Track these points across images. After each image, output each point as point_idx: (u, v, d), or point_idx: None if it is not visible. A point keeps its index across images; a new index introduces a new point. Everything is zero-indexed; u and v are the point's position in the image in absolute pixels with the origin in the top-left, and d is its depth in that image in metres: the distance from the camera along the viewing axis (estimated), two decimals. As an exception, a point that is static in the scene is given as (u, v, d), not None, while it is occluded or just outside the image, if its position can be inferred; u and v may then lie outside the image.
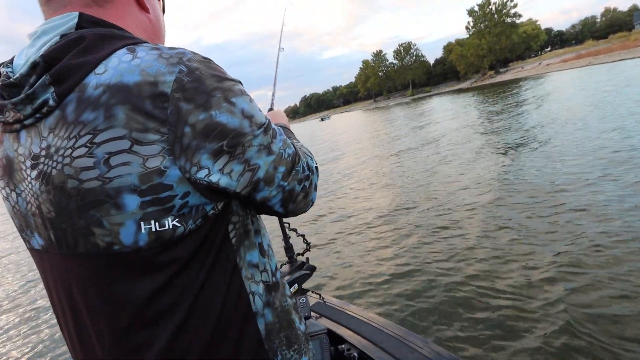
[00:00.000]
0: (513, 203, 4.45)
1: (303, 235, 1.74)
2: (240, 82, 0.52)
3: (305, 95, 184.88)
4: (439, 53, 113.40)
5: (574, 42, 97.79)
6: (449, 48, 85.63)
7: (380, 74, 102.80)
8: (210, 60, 0.50)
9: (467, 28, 72.97)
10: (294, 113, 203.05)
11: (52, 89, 0.43)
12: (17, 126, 0.47)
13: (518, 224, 3.85)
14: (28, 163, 0.47)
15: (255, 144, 0.49)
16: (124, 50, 0.45)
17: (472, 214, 4.46)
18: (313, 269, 1.64)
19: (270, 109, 1.01)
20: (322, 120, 78.08)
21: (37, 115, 0.45)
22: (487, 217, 4.22)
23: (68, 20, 0.47)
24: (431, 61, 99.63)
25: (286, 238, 1.70)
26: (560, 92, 17.06)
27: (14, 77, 0.45)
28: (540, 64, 57.41)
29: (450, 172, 6.72)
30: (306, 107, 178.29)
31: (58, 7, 0.50)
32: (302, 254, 1.75)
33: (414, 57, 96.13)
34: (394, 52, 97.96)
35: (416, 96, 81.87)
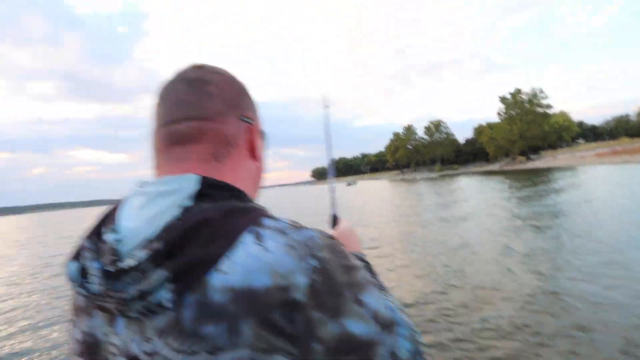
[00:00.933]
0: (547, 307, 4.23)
1: None
2: (364, 261, 0.48)
3: (334, 159, 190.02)
4: (468, 133, 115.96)
5: (607, 137, 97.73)
6: (479, 130, 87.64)
7: (409, 146, 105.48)
8: (333, 240, 0.45)
9: (498, 114, 75.21)
10: (321, 174, 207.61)
11: (170, 287, 0.37)
12: (115, 311, 0.40)
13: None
14: None
15: (383, 352, 0.41)
16: (250, 237, 0.39)
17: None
18: None
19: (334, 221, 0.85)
20: (349, 185, 78.89)
21: (145, 312, 0.38)
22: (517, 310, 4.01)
23: (188, 186, 0.42)
24: (461, 140, 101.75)
25: None
26: (599, 185, 16.69)
27: (130, 262, 0.38)
28: (574, 155, 57.21)
29: (477, 268, 6.53)
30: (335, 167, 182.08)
31: (176, 160, 0.47)
32: None
33: (444, 135, 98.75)
34: (425, 128, 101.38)
35: (444, 172, 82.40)
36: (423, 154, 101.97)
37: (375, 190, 41.21)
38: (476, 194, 21.45)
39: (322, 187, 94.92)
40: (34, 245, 19.28)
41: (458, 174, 65.18)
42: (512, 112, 71.94)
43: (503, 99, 73.89)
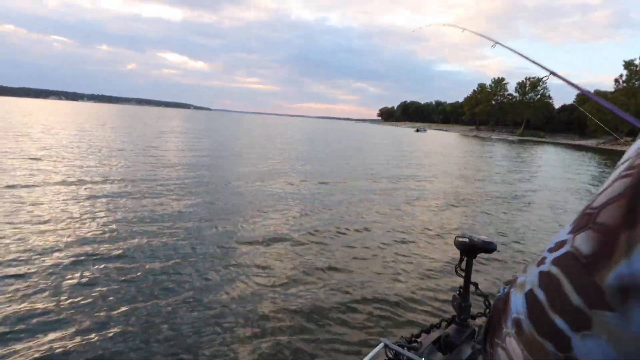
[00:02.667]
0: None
1: (486, 296, 1.41)
2: None
3: (405, 101, 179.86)
4: (569, 99, 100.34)
5: None
6: (583, 97, 75.10)
7: (493, 102, 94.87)
8: None
9: (616, 81, 63.11)
10: (389, 115, 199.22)
11: None
12: None
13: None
14: None
15: None
16: None
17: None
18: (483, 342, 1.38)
19: None
20: (417, 131, 75.41)
21: None
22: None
23: None
24: (556, 105, 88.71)
25: (464, 293, 1.37)
26: None
27: None
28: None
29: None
30: (402, 113, 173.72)
31: None
32: (475, 318, 1.49)
33: (539, 96, 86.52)
34: (518, 84, 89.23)
35: (525, 137, 74.00)
36: (507, 113, 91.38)
37: (445, 142, 38.80)
38: (558, 169, 18.93)
39: (389, 129, 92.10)
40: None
41: (542, 142, 58.17)
42: (635, 81, 59.78)
43: (628, 64, 61.09)
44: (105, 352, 2.49)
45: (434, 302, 3.58)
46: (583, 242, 0.30)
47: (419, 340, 1.37)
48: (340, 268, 4.21)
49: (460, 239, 1.34)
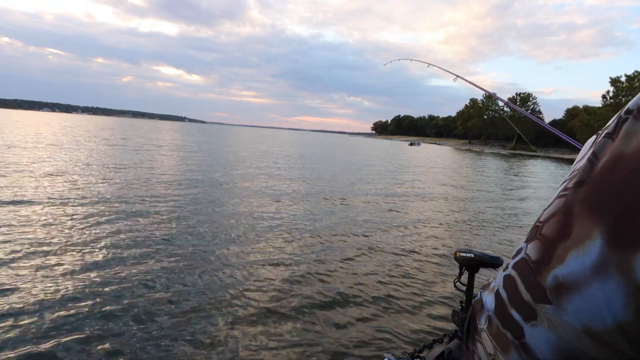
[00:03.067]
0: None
1: None
2: None
3: (399, 115, 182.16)
4: (558, 114, 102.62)
5: None
6: (572, 112, 76.84)
7: (485, 117, 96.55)
8: None
9: (603, 97, 64.82)
10: (382, 128, 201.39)
11: None
12: None
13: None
14: None
15: None
16: None
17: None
18: None
19: None
20: (411, 145, 76.18)
21: None
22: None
23: None
24: (546, 120, 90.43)
25: (466, 307, 1.31)
26: None
27: None
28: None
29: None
30: (396, 127, 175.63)
31: None
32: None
33: (529, 110, 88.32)
34: (509, 99, 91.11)
35: (517, 151, 75.00)
36: (499, 128, 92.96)
37: (439, 155, 39.09)
38: (547, 181, 19.09)
39: (383, 142, 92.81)
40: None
41: (534, 156, 58.92)
42: (622, 98, 61.37)
43: (615, 81, 62.97)
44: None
45: (435, 317, 3.52)
46: (532, 250, 0.37)
47: (422, 355, 1.37)
48: (336, 283, 4.12)
49: (464, 254, 1.32)
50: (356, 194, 9.99)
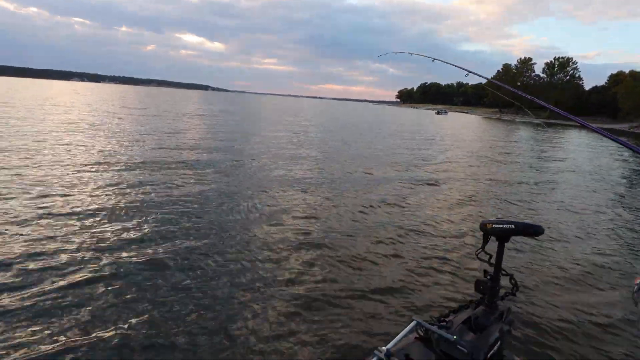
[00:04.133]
0: None
1: (511, 276, 1.46)
2: None
3: (425, 83, 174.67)
4: (601, 80, 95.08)
5: None
6: (617, 77, 70.97)
7: (518, 84, 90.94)
8: None
9: (654, 60, 58.88)
10: (407, 96, 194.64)
11: None
12: None
13: None
14: None
15: None
16: None
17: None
18: (512, 323, 1.44)
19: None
20: (438, 113, 73.50)
21: None
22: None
23: None
24: (587, 87, 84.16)
25: (495, 276, 1.40)
26: None
27: None
28: None
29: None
30: (422, 94, 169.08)
31: None
32: (503, 299, 1.50)
33: (568, 77, 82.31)
34: (546, 64, 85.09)
35: (552, 121, 70.87)
36: (533, 95, 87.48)
37: (467, 125, 37.55)
38: (585, 153, 18.02)
39: (408, 111, 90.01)
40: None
41: (570, 126, 55.53)
42: (676, 61, 55.60)
43: (669, 42, 56.80)
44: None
45: (459, 284, 3.65)
46: None
47: (447, 319, 1.42)
48: (364, 252, 4.23)
49: (498, 225, 1.32)
50: (380, 167, 9.82)
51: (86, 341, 2.38)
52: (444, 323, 1.38)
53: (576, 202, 7.50)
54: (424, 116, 58.71)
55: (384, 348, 1.23)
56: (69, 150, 8.47)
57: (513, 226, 1.30)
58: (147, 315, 2.70)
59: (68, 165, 7.06)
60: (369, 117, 42.53)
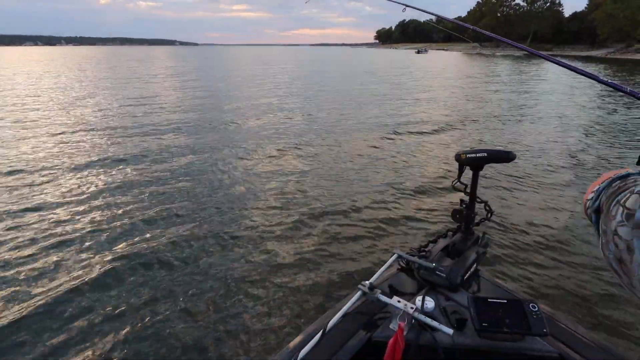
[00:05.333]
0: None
1: (486, 202, 1.52)
2: None
3: (403, 20, 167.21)
4: (581, 5, 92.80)
5: None
6: (597, 1, 69.18)
7: (498, 14, 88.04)
8: None
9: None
10: (386, 37, 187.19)
11: None
12: None
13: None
14: None
15: None
16: None
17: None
18: (487, 245, 1.51)
19: None
20: (418, 52, 71.58)
21: None
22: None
23: None
24: (567, 13, 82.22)
25: (470, 204, 1.48)
26: None
27: None
28: None
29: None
30: (401, 33, 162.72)
31: None
32: (478, 224, 1.56)
33: (548, 3, 79.90)
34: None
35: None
36: (513, 26, 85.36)
37: (446, 62, 36.83)
38: (560, 87, 18.15)
39: (387, 52, 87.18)
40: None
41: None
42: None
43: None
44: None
45: (437, 215, 3.97)
46: None
47: (427, 249, 1.49)
48: (342, 191, 4.58)
49: (472, 155, 1.37)
50: (357, 111, 9.71)
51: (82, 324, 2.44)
52: (424, 253, 1.46)
53: (545, 131, 7.76)
54: (403, 56, 57.09)
55: (367, 282, 1.25)
56: (37, 128, 8.03)
57: (485, 154, 1.34)
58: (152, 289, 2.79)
59: (38, 144, 6.73)
60: (344, 63, 41.08)
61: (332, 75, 23.91)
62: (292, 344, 1.13)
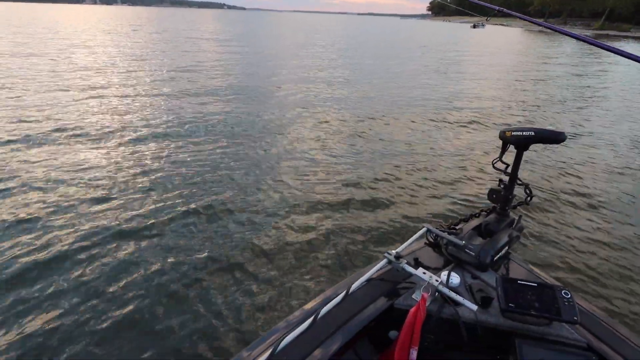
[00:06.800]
0: None
1: (527, 185, 1.46)
2: None
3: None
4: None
5: None
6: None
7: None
8: None
9: None
10: (440, 9, 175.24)
11: None
12: None
13: None
14: None
15: None
16: None
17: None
18: (521, 229, 1.45)
19: None
20: (474, 27, 66.76)
21: None
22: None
23: None
24: (655, -12, 71.55)
25: (509, 185, 1.42)
26: None
27: None
28: None
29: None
30: (458, 5, 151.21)
31: None
32: (515, 207, 1.51)
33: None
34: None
35: (605, 32, 62.59)
36: (586, 1, 76.39)
37: (503, 40, 33.99)
38: (634, 70, 16.17)
39: (440, 25, 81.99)
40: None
41: (626, 37, 48.98)
42: None
43: None
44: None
45: (470, 194, 3.86)
46: None
47: (457, 227, 1.47)
48: (385, 167, 4.52)
49: (518, 133, 1.30)
50: (405, 88, 9.34)
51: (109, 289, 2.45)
52: (454, 230, 1.44)
53: (606, 117, 7.07)
54: (457, 30, 53.44)
55: (394, 251, 1.27)
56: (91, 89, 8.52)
57: (533, 132, 1.26)
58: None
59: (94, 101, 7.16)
60: (393, 34, 39.18)
61: (381, 48, 23.01)
62: (315, 302, 1.15)
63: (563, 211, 3.59)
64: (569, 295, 1.02)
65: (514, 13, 1.54)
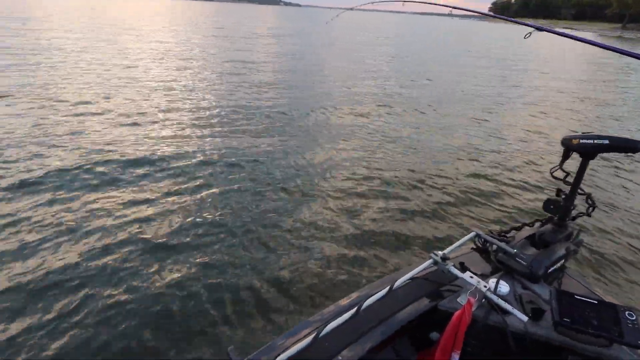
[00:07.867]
0: None
1: (589, 195, 1.38)
2: None
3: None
4: None
5: None
6: None
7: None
8: None
9: None
10: (503, 9, 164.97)
11: None
12: None
13: None
14: None
15: None
16: None
17: None
18: (580, 243, 1.39)
19: None
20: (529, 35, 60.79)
21: None
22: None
23: None
24: None
25: (571, 195, 1.34)
26: None
27: None
28: None
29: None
30: (522, 6, 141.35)
31: None
32: (574, 219, 1.44)
33: None
34: None
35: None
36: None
37: (565, 56, 31.08)
38: None
39: (500, 28, 75.32)
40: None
41: None
42: None
43: None
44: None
45: (524, 203, 3.75)
46: None
47: (508, 235, 1.45)
48: (434, 168, 4.49)
49: (588, 141, 1.22)
50: (457, 90, 9.67)
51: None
52: (505, 237, 1.41)
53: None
54: (509, 39, 49.74)
55: (440, 252, 1.25)
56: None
57: (607, 141, 1.17)
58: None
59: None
60: (450, 36, 37.84)
61: (438, 51, 22.78)
62: (358, 294, 1.17)
63: (628, 226, 3.33)
64: (634, 317, 0.96)
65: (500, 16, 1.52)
